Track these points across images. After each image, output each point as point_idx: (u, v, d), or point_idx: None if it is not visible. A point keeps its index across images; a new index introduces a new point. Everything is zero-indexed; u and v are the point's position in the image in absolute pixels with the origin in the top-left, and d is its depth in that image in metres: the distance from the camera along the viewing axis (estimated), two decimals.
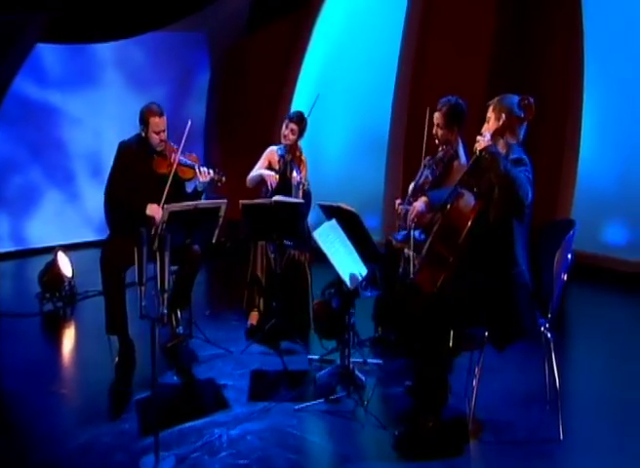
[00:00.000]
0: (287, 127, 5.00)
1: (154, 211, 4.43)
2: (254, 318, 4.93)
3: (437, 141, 4.42)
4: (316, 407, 3.80)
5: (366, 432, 3.60)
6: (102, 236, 7.42)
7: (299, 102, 7.01)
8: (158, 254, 4.00)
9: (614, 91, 5.97)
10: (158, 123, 4.51)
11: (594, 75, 6.11)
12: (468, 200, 3.40)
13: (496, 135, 3.44)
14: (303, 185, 4.81)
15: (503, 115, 3.43)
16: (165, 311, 3.11)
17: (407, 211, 4.23)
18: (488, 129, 3.50)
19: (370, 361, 4.32)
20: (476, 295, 3.40)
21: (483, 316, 3.41)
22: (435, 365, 3.42)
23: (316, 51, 6.99)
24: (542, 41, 6.22)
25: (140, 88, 7.30)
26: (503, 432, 3.61)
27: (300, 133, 5.01)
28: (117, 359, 4.40)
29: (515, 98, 3.49)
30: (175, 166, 4.49)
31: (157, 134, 4.51)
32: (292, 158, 4.99)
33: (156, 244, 4.21)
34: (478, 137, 3.43)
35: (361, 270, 3.74)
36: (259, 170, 5.09)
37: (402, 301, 3.44)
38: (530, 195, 3.26)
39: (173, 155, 4.54)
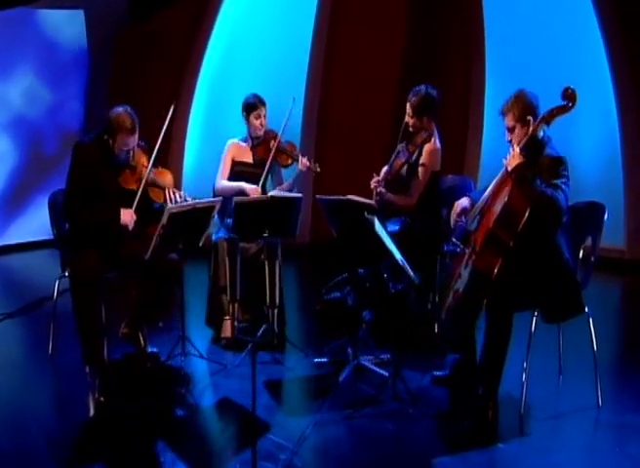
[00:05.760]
0: (262, 115, 4.48)
1: (127, 217, 3.88)
2: (227, 330, 4.47)
3: (410, 129, 4.50)
4: (362, 412, 3.62)
5: (431, 427, 3.52)
6: None
7: (200, 95, 6.54)
8: None
9: (514, 77, 6.40)
10: (128, 142, 3.82)
11: (495, 63, 6.50)
12: None
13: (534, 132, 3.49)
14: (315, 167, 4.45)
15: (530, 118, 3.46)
16: (277, 330, 2.71)
17: (380, 192, 4.26)
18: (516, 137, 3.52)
19: (382, 356, 4.19)
20: (529, 279, 3.48)
21: (536, 298, 3.51)
22: (500, 351, 3.46)
23: (219, 40, 6.54)
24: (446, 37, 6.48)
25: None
26: (544, 407, 3.72)
27: None
28: (101, 398, 3.78)
29: (532, 94, 3.53)
30: (143, 182, 3.88)
31: (124, 150, 3.86)
32: (278, 145, 4.46)
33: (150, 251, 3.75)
34: (510, 152, 3.48)
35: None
36: (234, 183, 4.49)
37: (469, 291, 3.39)
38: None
39: (143, 170, 3.90)
